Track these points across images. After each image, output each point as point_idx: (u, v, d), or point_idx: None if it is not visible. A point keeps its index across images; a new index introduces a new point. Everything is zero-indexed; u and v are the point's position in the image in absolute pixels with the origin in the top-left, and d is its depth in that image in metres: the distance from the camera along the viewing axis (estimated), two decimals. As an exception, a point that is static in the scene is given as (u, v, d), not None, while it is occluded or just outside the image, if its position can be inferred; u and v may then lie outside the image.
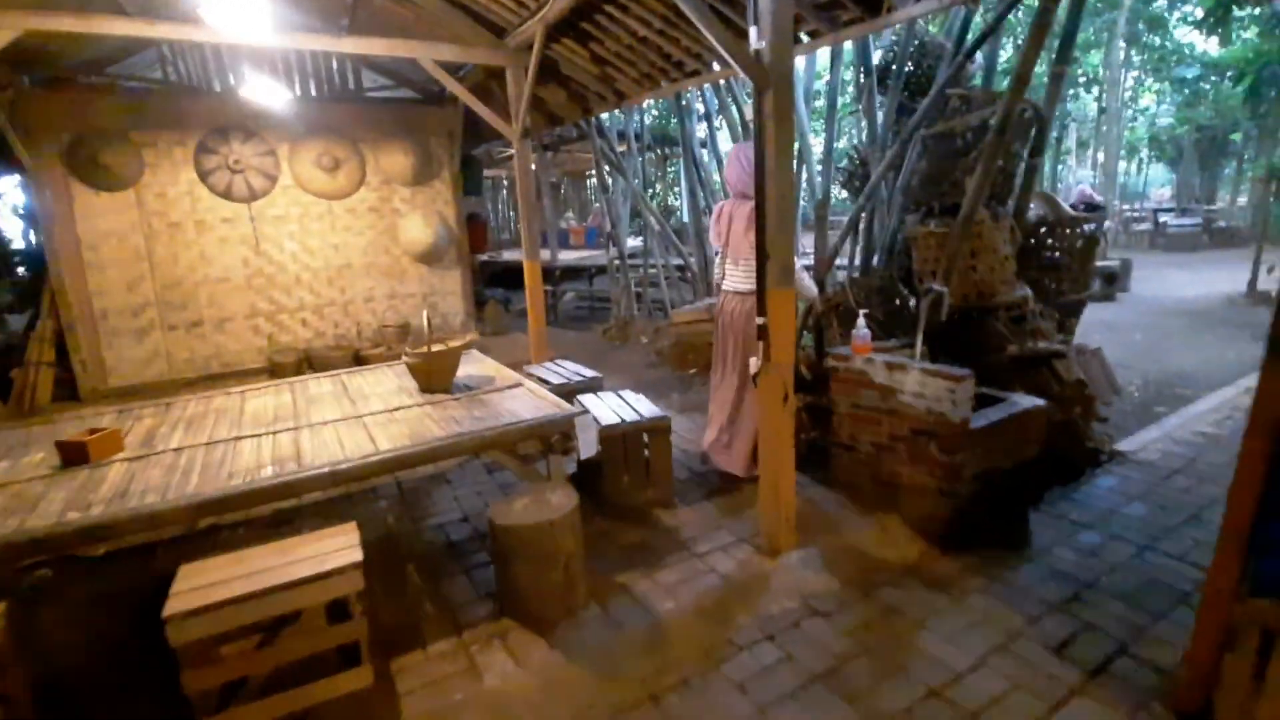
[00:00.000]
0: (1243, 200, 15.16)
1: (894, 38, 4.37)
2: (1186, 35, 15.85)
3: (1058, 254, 3.84)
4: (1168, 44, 15.18)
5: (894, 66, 4.03)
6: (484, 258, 10.57)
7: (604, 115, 8.31)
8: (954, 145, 3.60)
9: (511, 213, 20.20)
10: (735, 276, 3.53)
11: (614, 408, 3.44)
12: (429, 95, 7.09)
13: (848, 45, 5.71)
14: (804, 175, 5.46)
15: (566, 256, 12.25)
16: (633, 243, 9.29)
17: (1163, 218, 14.20)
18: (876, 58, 4.57)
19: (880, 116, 4.27)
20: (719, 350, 3.52)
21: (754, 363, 2.58)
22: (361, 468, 2.39)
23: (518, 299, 8.69)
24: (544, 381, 4.09)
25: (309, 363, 6.54)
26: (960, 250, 3.30)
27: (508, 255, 13.56)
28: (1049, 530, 2.90)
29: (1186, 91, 15.28)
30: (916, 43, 4.13)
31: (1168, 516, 2.97)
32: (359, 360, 6.55)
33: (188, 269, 6.31)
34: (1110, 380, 4.52)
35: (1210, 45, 15.57)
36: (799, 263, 3.04)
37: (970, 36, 3.80)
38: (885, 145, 4.14)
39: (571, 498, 2.46)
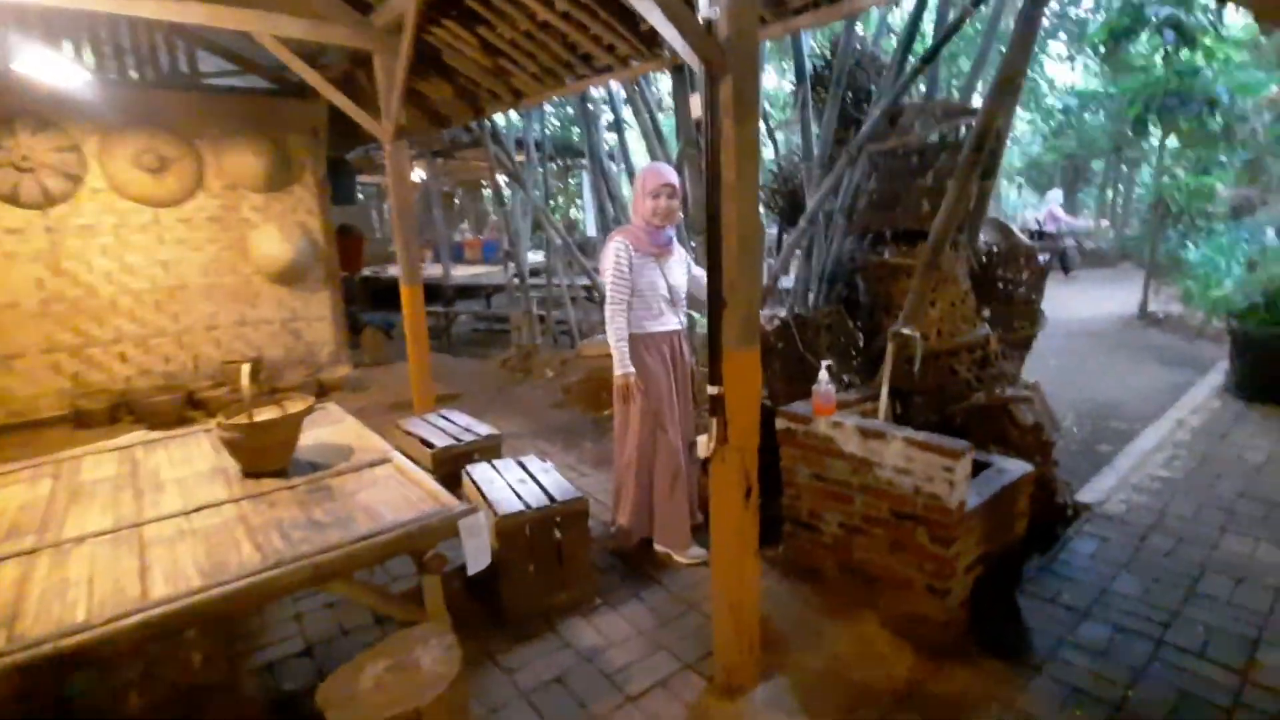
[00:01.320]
0: (1105, 223, 16.43)
1: (819, 44, 3.92)
2: (1052, 68, 17.05)
3: (1010, 286, 3.47)
4: (1038, 77, 16.25)
5: (831, 69, 3.53)
6: (369, 272, 9.41)
7: (501, 119, 7.51)
8: (908, 164, 3.13)
9: (400, 223, 18.72)
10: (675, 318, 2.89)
11: (516, 483, 2.67)
12: (287, 85, 6.01)
13: (769, 44, 5.24)
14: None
15: (461, 273, 11.22)
16: (535, 257, 8.49)
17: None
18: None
19: (816, 129, 3.77)
20: (656, 402, 2.85)
21: (702, 442, 1.91)
22: (107, 637, 1.50)
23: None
24: (426, 444, 3.25)
25: (128, 408, 5.27)
26: (923, 286, 2.80)
27: (394, 270, 12.35)
28: (1045, 622, 2.42)
29: (1054, 122, 16.38)
30: (856, 49, 3.66)
31: (1164, 593, 2.58)
32: (193, 403, 5.35)
33: (-45, 293, 4.91)
34: (1052, 417, 4.24)
35: (1074, 78, 16.84)
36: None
37: (919, 44, 3.37)
38: (824, 161, 3.63)
39: (452, 658, 1.67)
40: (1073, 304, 8.93)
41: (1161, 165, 8.61)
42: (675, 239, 2.92)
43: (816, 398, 2.44)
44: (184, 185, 5.61)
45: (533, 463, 2.88)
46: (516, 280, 6.51)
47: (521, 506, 2.44)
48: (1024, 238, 3.53)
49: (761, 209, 5.20)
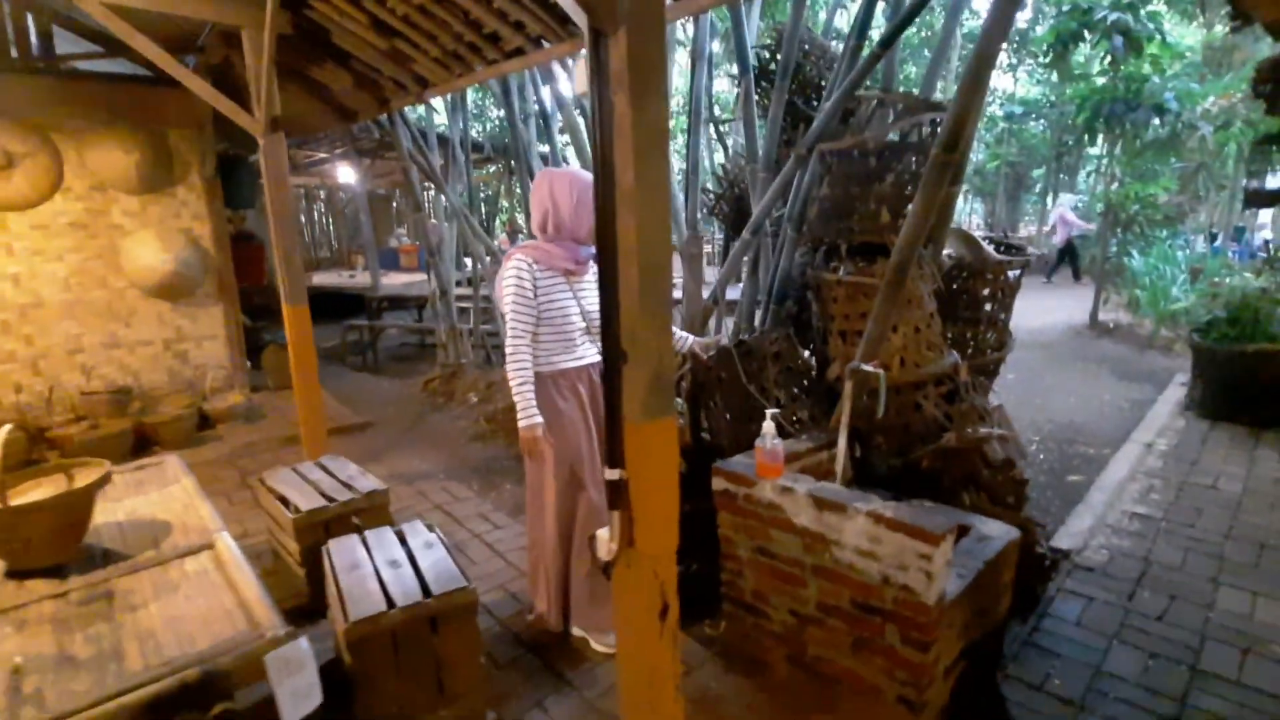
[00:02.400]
0: (1046, 229, 16.72)
1: (765, 29, 3.48)
2: (994, 79, 17.26)
3: (978, 305, 3.07)
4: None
5: (779, 57, 3.08)
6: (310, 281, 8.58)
7: (430, 115, 6.86)
8: (865, 166, 2.69)
9: (331, 226, 17.72)
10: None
11: (386, 566, 2.10)
12: (165, 74, 5.25)
13: (719, 48, 4.80)
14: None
15: (392, 282, 10.49)
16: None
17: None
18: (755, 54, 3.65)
19: (762, 127, 3.31)
20: (573, 453, 2.32)
21: (602, 541, 1.39)
22: None
23: (323, 336, 6.92)
24: (287, 504, 2.64)
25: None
26: (887, 310, 2.36)
27: (318, 278, 11.45)
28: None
29: (997, 130, 16.59)
30: (804, 38, 3.22)
31: (1165, 673, 2.19)
32: (46, 441, 4.56)
33: None
34: (1020, 446, 3.89)
35: (1017, 88, 17.08)
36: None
37: (875, 31, 2.95)
38: (770, 163, 3.18)
39: None
40: (1022, 312, 8.80)
41: (1110, 173, 8.56)
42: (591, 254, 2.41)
43: (760, 455, 1.95)
44: (37, 186, 4.80)
45: (417, 532, 2.31)
46: (440, 292, 5.88)
47: (383, 605, 1.88)
48: (991, 250, 3.14)
49: (708, 217, 4.75)
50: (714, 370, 2.75)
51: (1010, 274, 3.13)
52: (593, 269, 2.44)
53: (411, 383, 6.35)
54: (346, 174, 10.68)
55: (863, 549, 1.73)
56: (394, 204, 16.46)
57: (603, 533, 1.41)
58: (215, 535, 1.98)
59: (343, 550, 2.20)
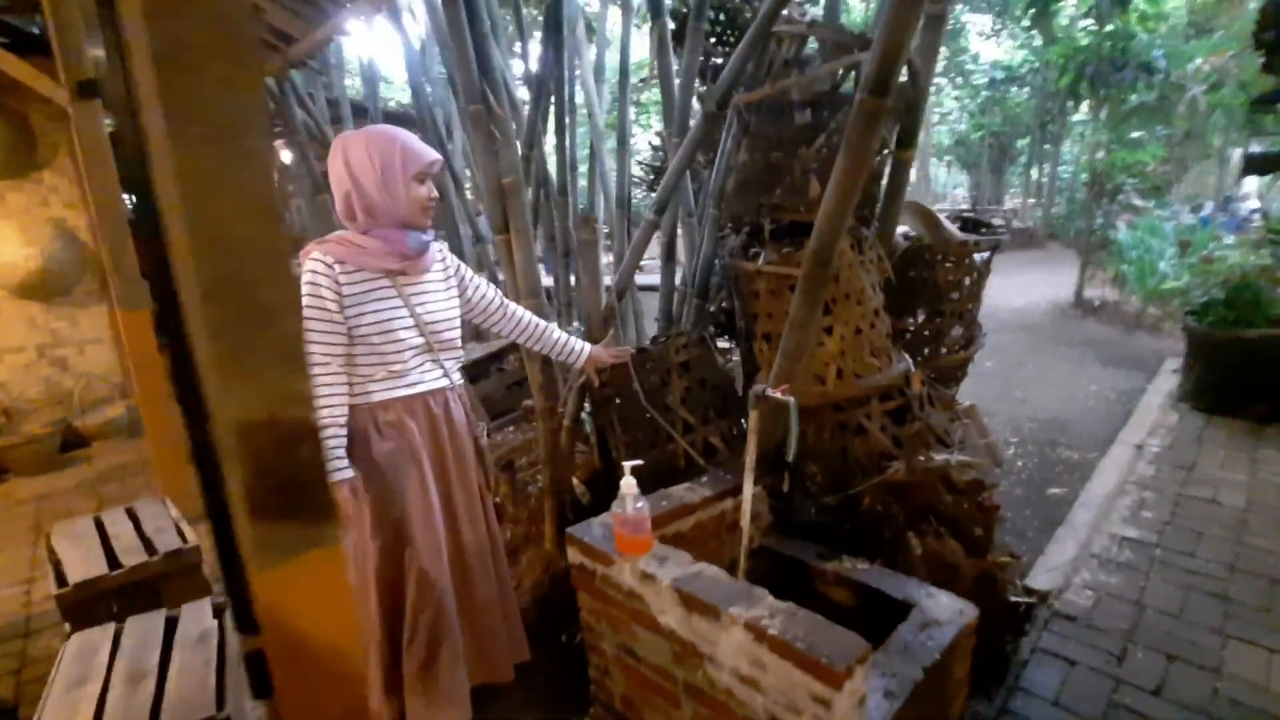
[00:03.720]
0: (1032, 201, 16.19)
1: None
2: (977, 45, 16.66)
3: (939, 296, 2.54)
4: (965, 52, 15.77)
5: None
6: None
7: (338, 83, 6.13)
8: (788, 124, 2.12)
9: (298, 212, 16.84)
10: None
11: (128, 677, 1.55)
12: (27, 39, 4.56)
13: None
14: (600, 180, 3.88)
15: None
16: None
17: (966, 216, 14.66)
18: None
19: (679, 85, 2.73)
20: (396, 509, 1.76)
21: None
22: None
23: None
24: (60, 575, 2.07)
25: None
26: (807, 313, 1.81)
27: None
28: None
29: (980, 98, 15.99)
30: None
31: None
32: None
33: None
34: (993, 452, 3.38)
35: (1000, 53, 16.47)
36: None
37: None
38: (684, 127, 2.61)
39: None
40: (1004, 291, 8.30)
41: (1094, 140, 8.02)
42: (432, 243, 1.84)
43: (618, 524, 1.41)
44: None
45: (197, 619, 1.76)
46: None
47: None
48: (954, 227, 2.60)
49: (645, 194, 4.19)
50: (606, 387, 2.20)
51: (978, 256, 2.59)
52: (436, 260, 1.87)
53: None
54: (285, 155, 9.95)
55: (743, 674, 1.20)
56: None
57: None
58: None
59: (82, 653, 1.65)
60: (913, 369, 2.23)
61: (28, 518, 3.56)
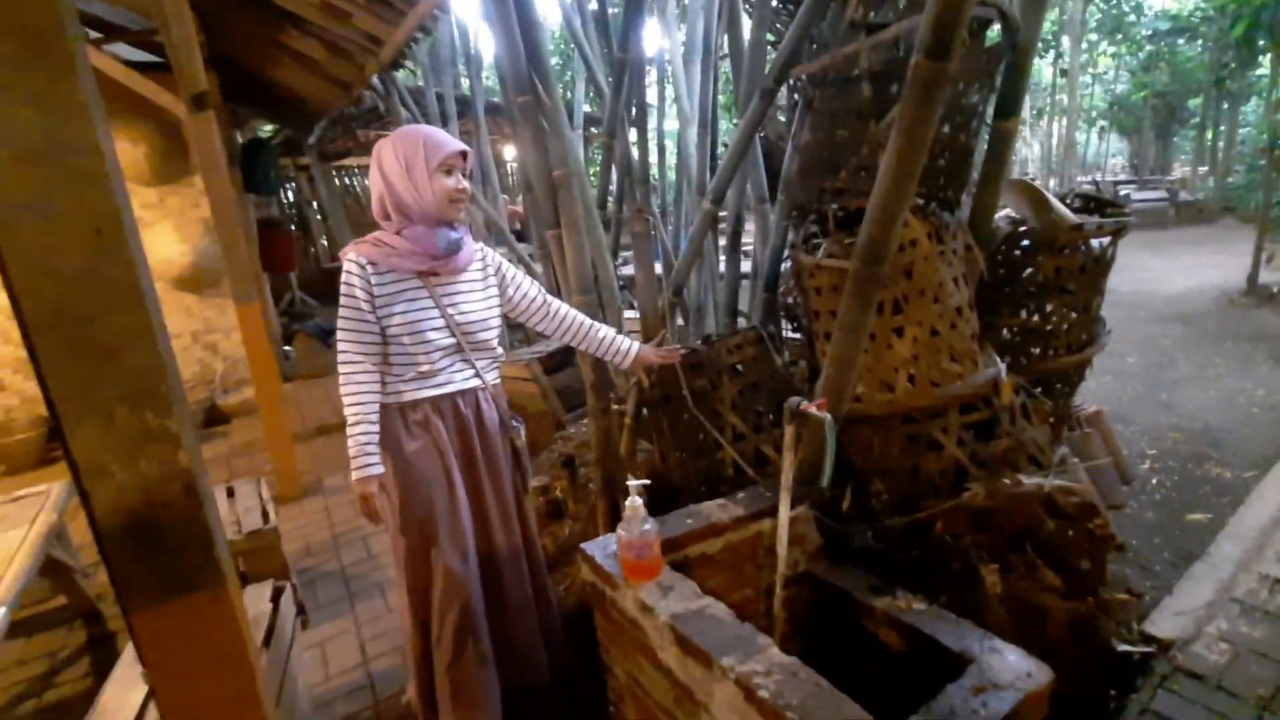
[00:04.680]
0: (1204, 169, 14.01)
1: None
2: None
3: (1046, 289, 2.19)
4: (1125, 1, 13.85)
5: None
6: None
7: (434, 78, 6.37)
8: (854, 97, 1.89)
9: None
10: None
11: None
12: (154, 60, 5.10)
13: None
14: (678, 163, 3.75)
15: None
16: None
17: (1123, 190, 12.96)
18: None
19: (746, 61, 2.53)
20: (423, 509, 1.77)
21: None
22: None
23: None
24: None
25: (-10, 448, 4.56)
26: (857, 316, 1.60)
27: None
28: None
29: (1143, 54, 14.04)
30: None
31: None
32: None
33: None
34: (1121, 468, 2.93)
35: (1167, 1, 14.36)
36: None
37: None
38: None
39: None
40: (1162, 274, 7.24)
41: (1274, 99, 6.76)
42: (468, 243, 1.81)
43: (622, 546, 1.31)
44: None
45: (251, 601, 1.87)
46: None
47: (126, 728, 1.44)
48: (1066, 209, 2.22)
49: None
50: (655, 389, 2.09)
51: (1096, 242, 2.20)
52: (475, 260, 1.85)
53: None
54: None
55: (739, 730, 1.06)
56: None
57: None
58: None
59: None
60: (1003, 376, 1.93)
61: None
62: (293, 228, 7.90)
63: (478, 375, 1.83)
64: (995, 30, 1.91)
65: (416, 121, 4.72)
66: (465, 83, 6.38)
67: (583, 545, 1.49)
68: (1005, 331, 2.29)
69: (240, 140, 6.25)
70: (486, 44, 8.02)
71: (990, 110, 2.03)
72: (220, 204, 3.20)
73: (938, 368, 1.87)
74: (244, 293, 3.34)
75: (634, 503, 1.29)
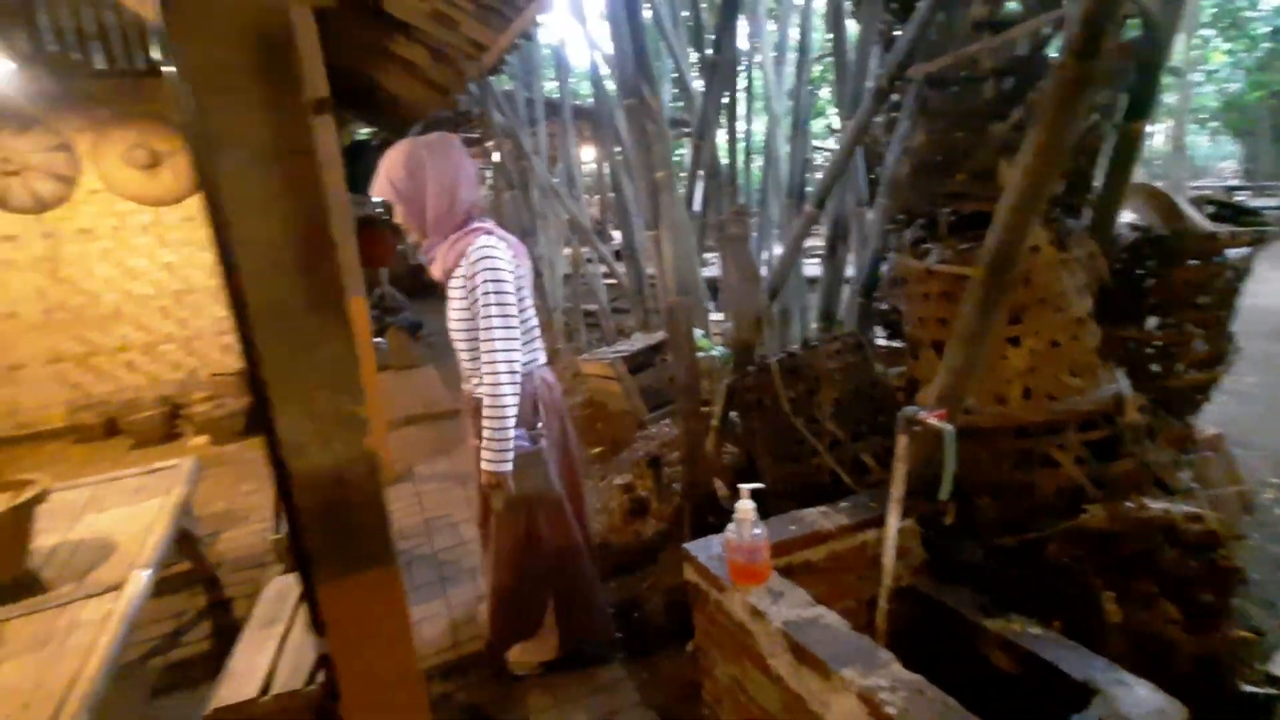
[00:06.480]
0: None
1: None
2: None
3: (1177, 302, 2.04)
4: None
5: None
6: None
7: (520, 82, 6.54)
8: (977, 97, 1.82)
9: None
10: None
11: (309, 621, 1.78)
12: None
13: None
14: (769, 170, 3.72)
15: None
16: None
17: (1237, 197, 11.91)
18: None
19: (853, 59, 2.49)
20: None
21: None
22: None
23: (434, 322, 7.01)
24: (277, 519, 2.45)
25: (120, 424, 5.00)
26: (981, 324, 1.54)
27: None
28: None
29: (1261, 51, 12.91)
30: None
31: None
32: (181, 416, 5.00)
33: (-45, 304, 4.81)
34: (1242, 495, 2.70)
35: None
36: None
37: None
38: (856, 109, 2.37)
39: None
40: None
41: None
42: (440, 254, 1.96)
43: (731, 550, 1.31)
44: (180, 181, 5.23)
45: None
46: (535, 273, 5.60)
47: (257, 688, 1.54)
48: (1199, 215, 2.07)
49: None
50: (751, 393, 2.08)
51: (1233, 252, 2.04)
52: (458, 270, 1.86)
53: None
54: (495, 156, 10.89)
55: (857, 743, 1.04)
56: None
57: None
58: (130, 574, 1.78)
59: (277, 596, 1.92)
60: (1128, 392, 1.82)
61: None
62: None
63: (470, 381, 1.96)
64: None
65: (509, 125, 4.86)
66: (548, 86, 6.53)
67: (685, 545, 1.50)
68: (1127, 346, 2.15)
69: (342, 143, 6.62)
70: (575, 50, 8.21)
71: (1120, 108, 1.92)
72: (337, 203, 3.40)
73: (1056, 381, 1.78)
74: (354, 286, 3.53)
75: (745, 505, 1.29)
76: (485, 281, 1.77)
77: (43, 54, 4.66)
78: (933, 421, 1.34)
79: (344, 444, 0.66)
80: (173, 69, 0.65)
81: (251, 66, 0.57)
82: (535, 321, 1.99)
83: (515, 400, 1.77)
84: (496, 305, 1.76)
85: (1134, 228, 2.26)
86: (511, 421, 1.77)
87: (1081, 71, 1.21)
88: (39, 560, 1.92)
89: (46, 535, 2.01)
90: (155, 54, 5.14)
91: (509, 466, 1.78)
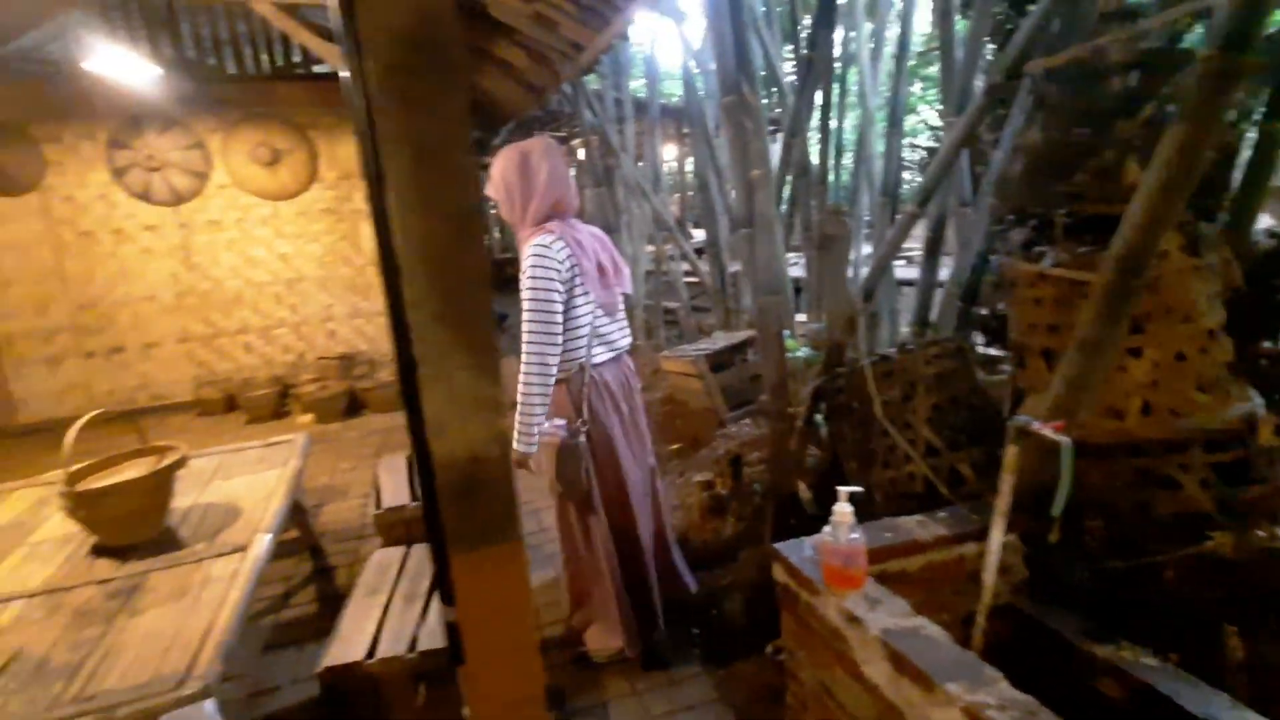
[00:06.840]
0: None
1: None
2: None
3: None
4: None
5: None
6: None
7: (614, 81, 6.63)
8: (1102, 93, 1.72)
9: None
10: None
11: (405, 595, 1.89)
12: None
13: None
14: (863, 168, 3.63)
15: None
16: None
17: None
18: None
19: (962, 56, 2.40)
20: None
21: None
22: None
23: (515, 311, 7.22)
24: (378, 500, 2.61)
25: (237, 400, 5.44)
26: (1104, 332, 1.46)
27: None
28: None
29: None
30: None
31: None
32: (289, 396, 5.38)
33: (105, 286, 5.36)
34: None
35: None
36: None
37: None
38: (966, 104, 2.28)
39: None
40: None
41: None
42: None
43: (827, 554, 1.30)
44: (297, 177, 5.63)
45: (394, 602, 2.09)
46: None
47: (364, 651, 1.66)
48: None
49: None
50: (841, 395, 2.05)
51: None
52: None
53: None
54: (581, 154, 11.13)
55: (957, 757, 1.02)
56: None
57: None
58: (255, 537, 1.95)
59: (380, 566, 2.06)
60: (1262, 412, 1.67)
61: (375, 445, 4.56)
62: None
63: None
64: None
65: (599, 123, 4.95)
66: (634, 85, 6.59)
67: (775, 545, 1.50)
68: (1261, 361, 1.98)
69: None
70: (665, 49, 8.27)
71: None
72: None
73: (1180, 397, 1.66)
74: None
75: (844, 509, 1.27)
76: (526, 280, 1.84)
77: (183, 60, 5.13)
78: (1048, 433, 1.28)
79: (480, 424, 0.72)
80: (345, 73, 0.72)
81: (420, 69, 0.62)
82: (603, 315, 2.00)
83: (542, 394, 1.85)
84: (531, 303, 1.84)
85: (1272, 234, 2.07)
86: (536, 412, 1.84)
87: (1229, 64, 1.13)
88: (176, 519, 2.12)
89: (182, 497, 2.22)
90: (279, 59, 5.55)
91: (531, 448, 1.85)
